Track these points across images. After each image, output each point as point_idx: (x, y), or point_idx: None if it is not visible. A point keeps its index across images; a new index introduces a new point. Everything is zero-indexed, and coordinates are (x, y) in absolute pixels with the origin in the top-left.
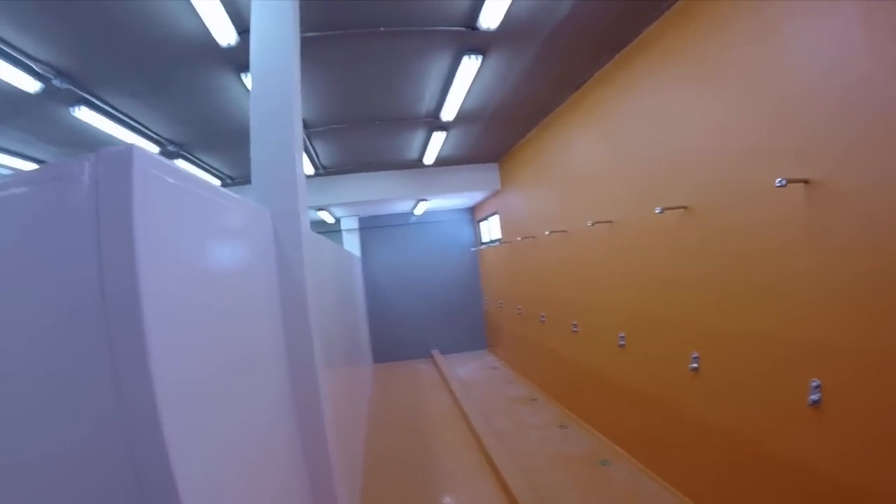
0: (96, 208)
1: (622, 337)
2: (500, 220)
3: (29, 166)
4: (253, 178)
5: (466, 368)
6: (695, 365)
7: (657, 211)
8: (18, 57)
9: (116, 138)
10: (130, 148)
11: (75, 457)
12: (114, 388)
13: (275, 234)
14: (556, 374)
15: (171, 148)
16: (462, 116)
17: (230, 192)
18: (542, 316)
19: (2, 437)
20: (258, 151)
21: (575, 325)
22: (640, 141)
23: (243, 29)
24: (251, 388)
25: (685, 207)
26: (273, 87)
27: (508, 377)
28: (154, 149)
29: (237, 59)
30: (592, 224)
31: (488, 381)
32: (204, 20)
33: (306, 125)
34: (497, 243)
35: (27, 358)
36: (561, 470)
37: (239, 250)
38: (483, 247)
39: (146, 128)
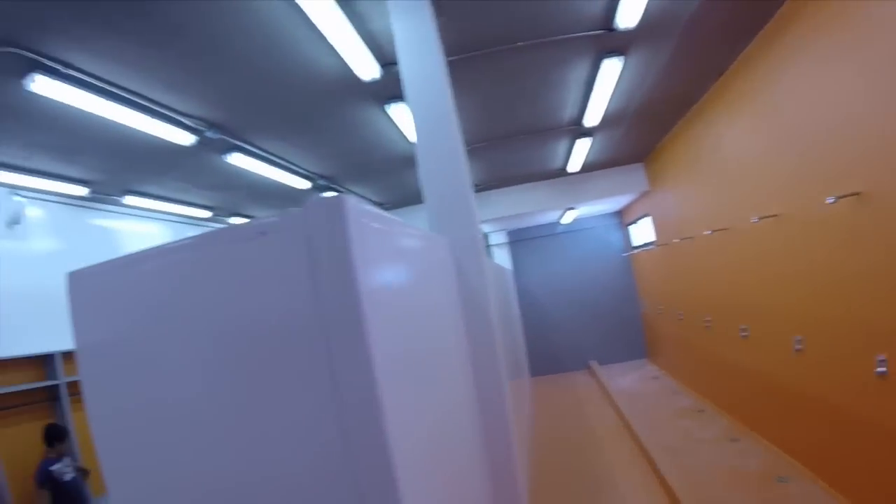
0: (312, 252)
1: (798, 340)
2: (653, 221)
3: (189, 211)
4: (427, 205)
5: (626, 379)
6: (882, 369)
7: (829, 201)
8: (171, 115)
9: (269, 179)
10: (342, 199)
11: (295, 434)
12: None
13: (454, 258)
14: (724, 383)
15: (320, 182)
16: (605, 120)
17: (414, 227)
18: (707, 321)
19: (242, 410)
20: (429, 181)
21: (744, 330)
22: (797, 123)
23: (386, 62)
24: (444, 389)
25: (858, 194)
26: (432, 114)
27: (672, 388)
28: (306, 184)
29: (380, 91)
30: (758, 220)
31: (651, 393)
32: (344, 58)
33: None
34: (651, 246)
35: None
36: (735, 488)
37: (428, 274)
38: (635, 251)
39: (296, 165)
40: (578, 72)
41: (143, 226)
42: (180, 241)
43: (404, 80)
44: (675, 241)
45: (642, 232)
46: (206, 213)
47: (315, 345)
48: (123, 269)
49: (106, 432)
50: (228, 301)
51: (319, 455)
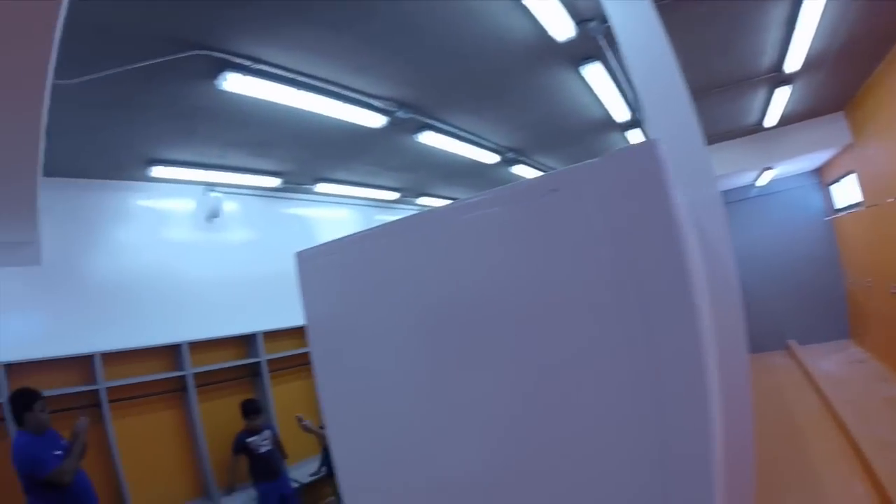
0: (617, 210)
1: None
2: (859, 179)
3: (377, 194)
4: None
5: (828, 362)
6: None
7: None
8: (362, 98)
9: (458, 155)
10: (653, 144)
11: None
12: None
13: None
14: None
15: (509, 155)
16: (807, 63)
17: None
18: None
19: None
20: (657, 136)
21: None
22: None
23: (580, 19)
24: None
25: None
26: (651, 61)
27: (881, 373)
28: (494, 158)
29: (574, 51)
30: None
31: (857, 378)
32: (538, 19)
33: None
34: (858, 208)
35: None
36: None
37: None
38: (838, 215)
39: (486, 140)
40: (779, 9)
41: (332, 212)
42: (424, 212)
43: (615, 28)
44: (888, 200)
45: (846, 192)
46: (394, 196)
47: (622, 319)
48: (351, 246)
49: (333, 401)
50: (501, 271)
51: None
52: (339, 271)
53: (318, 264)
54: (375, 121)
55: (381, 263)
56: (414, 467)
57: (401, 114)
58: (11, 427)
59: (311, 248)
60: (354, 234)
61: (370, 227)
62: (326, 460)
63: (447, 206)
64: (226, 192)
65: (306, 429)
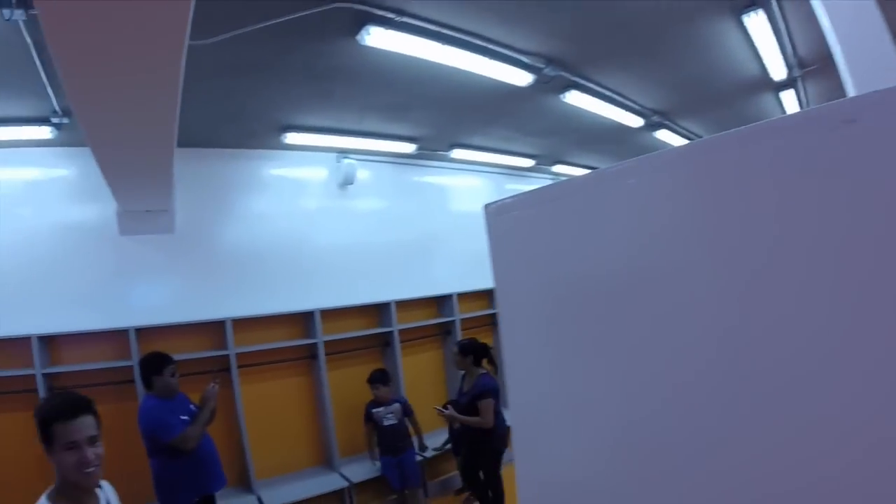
0: None
1: None
2: None
3: (511, 161)
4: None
5: None
6: None
7: None
8: (509, 54)
9: (601, 118)
10: None
11: None
12: None
13: None
14: None
15: (654, 119)
16: None
17: None
18: None
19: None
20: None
21: None
22: None
23: None
24: None
25: None
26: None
27: None
28: (638, 121)
29: None
30: None
31: None
32: None
33: None
34: None
35: None
36: None
37: None
38: None
39: (632, 101)
40: None
41: (463, 180)
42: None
43: None
44: None
45: None
46: (529, 163)
47: None
48: (552, 198)
49: (517, 364)
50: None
51: None
52: (535, 227)
53: (509, 218)
54: (522, 79)
55: (590, 216)
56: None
57: (548, 71)
58: (141, 390)
59: (500, 201)
60: (554, 185)
61: (504, 196)
62: (452, 437)
63: (685, 145)
64: (359, 159)
65: (450, 418)
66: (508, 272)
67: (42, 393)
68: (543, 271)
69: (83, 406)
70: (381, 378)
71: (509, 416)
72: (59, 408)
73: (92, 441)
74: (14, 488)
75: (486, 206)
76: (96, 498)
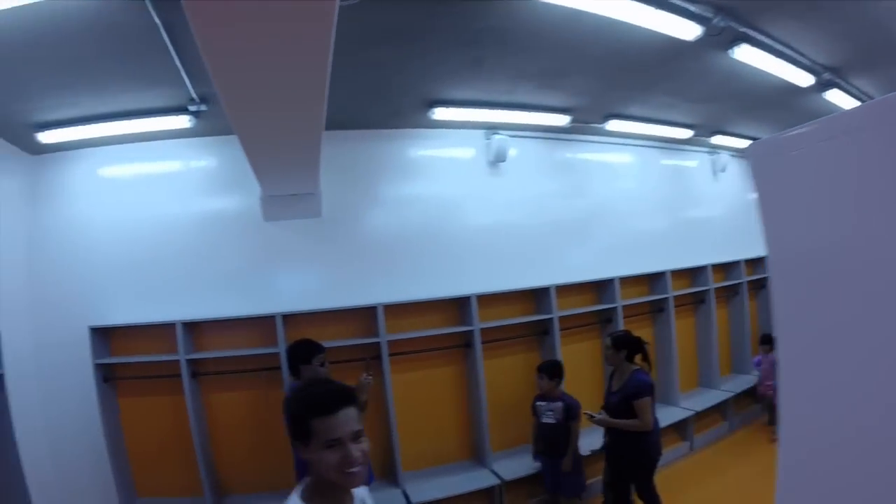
0: None
1: None
2: None
3: (668, 132)
4: None
5: None
6: None
7: None
8: (677, 2)
9: (770, 77)
10: None
11: None
12: None
13: None
14: None
15: (825, 76)
16: None
17: None
18: None
19: None
20: None
21: None
22: None
23: None
24: None
25: None
26: None
27: None
28: (809, 80)
29: None
30: None
31: None
32: None
33: None
34: None
35: None
36: None
37: None
38: None
39: (803, 55)
40: None
41: (615, 156)
42: None
43: None
44: None
45: None
46: (687, 134)
47: None
48: (849, 130)
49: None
50: None
51: None
52: (825, 169)
53: (789, 160)
54: (689, 31)
55: None
56: None
57: (718, 21)
58: (286, 377)
59: (770, 138)
60: (851, 111)
61: (654, 173)
62: (609, 436)
63: None
64: (510, 135)
65: (603, 424)
66: (786, 231)
67: (186, 378)
68: (838, 228)
69: (346, 398)
70: (546, 368)
71: (782, 408)
72: (319, 400)
73: (356, 437)
74: (158, 469)
75: (752, 146)
76: (352, 497)
